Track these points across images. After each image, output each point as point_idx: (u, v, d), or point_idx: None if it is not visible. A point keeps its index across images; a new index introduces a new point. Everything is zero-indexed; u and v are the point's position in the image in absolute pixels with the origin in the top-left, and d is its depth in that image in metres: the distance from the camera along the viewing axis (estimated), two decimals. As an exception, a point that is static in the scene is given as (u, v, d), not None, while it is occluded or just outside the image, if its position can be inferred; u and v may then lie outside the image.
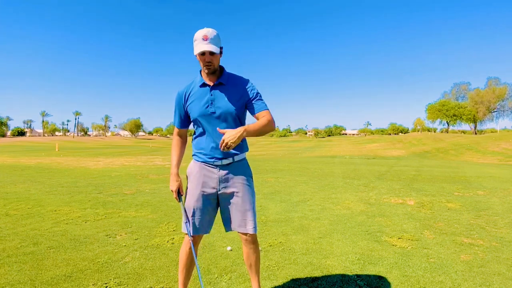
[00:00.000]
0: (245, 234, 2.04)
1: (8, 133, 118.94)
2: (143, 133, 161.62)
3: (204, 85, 1.97)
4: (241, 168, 2.05)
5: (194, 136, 2.09)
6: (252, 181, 2.11)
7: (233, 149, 1.97)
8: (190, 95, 2.00)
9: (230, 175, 2.02)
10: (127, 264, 2.88)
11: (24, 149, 36.45)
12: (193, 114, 1.99)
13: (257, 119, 1.97)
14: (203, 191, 2.02)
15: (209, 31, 1.86)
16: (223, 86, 1.96)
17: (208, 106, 1.94)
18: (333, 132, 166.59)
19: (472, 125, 78.98)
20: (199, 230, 2.05)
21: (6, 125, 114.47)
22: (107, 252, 3.17)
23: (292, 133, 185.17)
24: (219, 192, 2.03)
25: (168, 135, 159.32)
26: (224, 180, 2.01)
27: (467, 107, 74.21)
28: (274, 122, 1.96)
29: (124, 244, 3.38)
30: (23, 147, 46.28)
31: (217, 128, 1.87)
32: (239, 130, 1.76)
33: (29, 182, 7.81)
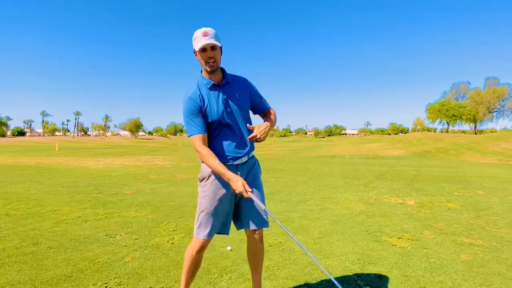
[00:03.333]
0: (255, 231, 2.07)
1: (8, 133, 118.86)
2: (143, 133, 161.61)
3: (213, 86, 1.96)
4: (255, 165, 2.13)
5: (211, 135, 2.05)
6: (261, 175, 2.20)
7: (249, 146, 2.06)
8: (204, 95, 1.95)
9: (247, 174, 2.06)
10: (127, 264, 2.88)
11: (24, 149, 36.45)
12: (211, 117, 1.93)
13: (262, 116, 2.17)
14: (222, 193, 1.99)
15: (208, 29, 1.89)
16: (230, 84, 2.00)
17: (224, 106, 1.95)
18: (333, 132, 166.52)
19: (472, 125, 79.02)
20: (218, 231, 2.06)
21: (6, 125, 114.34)
22: (107, 252, 3.17)
23: (292, 133, 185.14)
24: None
25: (168, 135, 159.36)
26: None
27: (466, 107, 74.23)
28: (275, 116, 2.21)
29: (124, 244, 3.39)
30: (23, 147, 46.27)
31: (247, 125, 2.01)
32: (267, 125, 2.01)
33: (29, 182, 7.81)
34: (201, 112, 1.91)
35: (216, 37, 1.89)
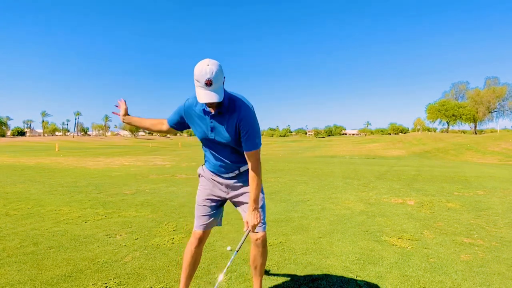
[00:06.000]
0: (255, 233, 2.07)
1: (8, 133, 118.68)
2: (143, 133, 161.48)
3: (204, 111, 1.95)
4: (248, 175, 2.09)
5: (202, 145, 2.16)
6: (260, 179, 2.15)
7: (237, 162, 2.06)
8: (194, 113, 2.00)
9: (238, 182, 2.12)
10: (127, 264, 2.88)
11: (24, 149, 36.42)
12: (196, 134, 2.06)
13: (246, 157, 1.98)
14: (212, 192, 2.16)
15: (212, 72, 1.70)
16: (222, 115, 1.91)
17: (209, 132, 1.98)
18: (333, 132, 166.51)
19: (472, 125, 79.01)
20: (209, 225, 2.16)
21: (6, 125, 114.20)
22: (107, 252, 3.17)
23: (292, 133, 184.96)
24: (227, 196, 2.16)
25: (168, 135, 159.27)
26: (231, 187, 2.13)
27: (466, 107, 74.22)
28: (259, 167, 1.98)
29: (124, 244, 3.38)
30: (23, 147, 46.25)
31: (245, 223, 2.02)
32: (255, 208, 1.99)
33: (29, 182, 7.81)
34: (182, 119, 2.09)
35: (219, 79, 1.73)
